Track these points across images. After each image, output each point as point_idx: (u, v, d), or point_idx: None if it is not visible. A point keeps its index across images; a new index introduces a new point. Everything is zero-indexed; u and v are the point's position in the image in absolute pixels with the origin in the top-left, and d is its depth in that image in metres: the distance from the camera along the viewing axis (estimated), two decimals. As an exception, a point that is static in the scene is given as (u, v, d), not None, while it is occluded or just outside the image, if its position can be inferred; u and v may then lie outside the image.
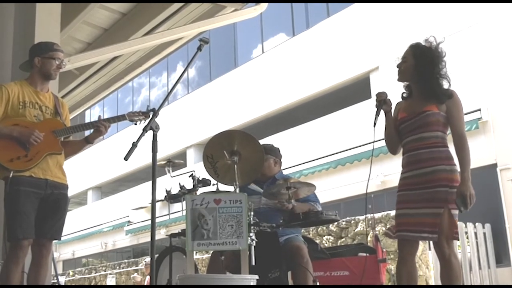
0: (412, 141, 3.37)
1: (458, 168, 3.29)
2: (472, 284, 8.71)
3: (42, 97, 3.67)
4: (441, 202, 3.22)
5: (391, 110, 3.51)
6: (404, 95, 3.54)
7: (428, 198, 3.24)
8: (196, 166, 14.20)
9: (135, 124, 3.73)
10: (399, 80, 3.50)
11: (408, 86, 3.52)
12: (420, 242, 8.18)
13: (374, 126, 3.41)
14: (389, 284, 6.93)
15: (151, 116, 3.09)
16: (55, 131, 3.57)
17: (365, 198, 9.98)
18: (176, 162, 5.07)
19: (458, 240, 3.30)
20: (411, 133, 3.37)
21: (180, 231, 4.03)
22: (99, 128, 3.62)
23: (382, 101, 3.48)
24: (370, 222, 8.74)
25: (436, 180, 3.24)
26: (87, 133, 3.79)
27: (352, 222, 9.40)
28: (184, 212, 3.31)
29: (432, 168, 3.27)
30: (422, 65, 3.34)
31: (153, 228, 2.90)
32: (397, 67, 3.48)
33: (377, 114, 3.48)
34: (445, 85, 3.39)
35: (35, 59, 3.64)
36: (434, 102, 3.32)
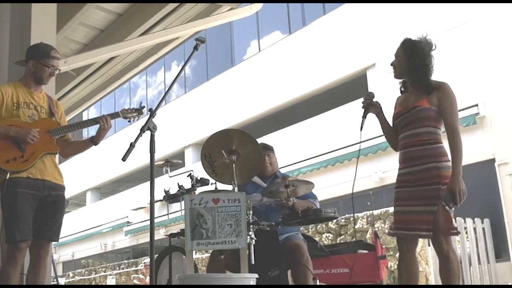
0: (406, 137, 3.39)
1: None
2: (472, 279, 8.73)
3: (36, 97, 3.66)
4: (433, 200, 3.23)
5: (381, 111, 3.57)
6: (402, 89, 3.57)
7: (421, 196, 3.26)
8: (195, 166, 14.22)
9: (129, 121, 3.76)
10: (395, 76, 3.53)
11: (404, 82, 3.55)
12: (420, 238, 8.21)
13: (361, 130, 3.46)
14: (389, 280, 6.93)
15: (148, 116, 3.08)
16: (50, 131, 3.57)
17: (363, 195, 10.01)
18: (174, 162, 5.08)
19: (457, 235, 3.30)
20: (405, 129, 3.40)
21: (179, 231, 4.02)
22: (100, 123, 3.61)
23: (368, 105, 3.54)
24: (370, 219, 8.75)
25: (428, 178, 3.26)
26: (84, 132, 3.79)
27: (351, 219, 9.40)
28: (183, 212, 3.31)
29: (424, 166, 3.28)
30: (412, 57, 3.37)
31: (152, 228, 2.90)
32: (391, 65, 3.52)
33: (364, 116, 3.53)
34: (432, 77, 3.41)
35: (29, 62, 3.64)
36: (425, 96, 3.34)
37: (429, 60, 3.37)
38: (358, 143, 3.58)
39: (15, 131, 3.43)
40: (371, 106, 3.55)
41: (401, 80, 3.56)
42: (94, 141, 3.72)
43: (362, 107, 3.56)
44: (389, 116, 3.60)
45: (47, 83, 3.74)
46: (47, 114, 3.68)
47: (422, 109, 3.32)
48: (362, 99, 3.59)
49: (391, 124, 3.57)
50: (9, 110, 3.52)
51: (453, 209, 3.27)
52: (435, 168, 3.25)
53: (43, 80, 3.67)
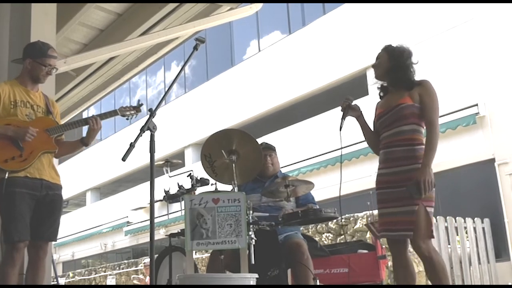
0: (389, 136, 3.41)
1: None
2: (472, 279, 8.73)
3: (33, 96, 3.65)
4: (415, 200, 3.22)
5: (361, 114, 3.60)
6: (381, 94, 3.62)
7: (403, 196, 3.26)
8: (194, 166, 14.21)
9: (127, 119, 3.75)
10: (376, 77, 3.58)
11: (383, 87, 3.60)
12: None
13: (340, 130, 3.51)
14: (389, 280, 6.93)
15: (148, 116, 3.08)
16: (48, 130, 3.55)
17: (363, 195, 10.02)
18: (174, 162, 5.08)
19: (433, 237, 3.28)
20: (388, 128, 3.42)
21: (179, 231, 4.03)
22: (89, 123, 3.59)
23: (346, 107, 3.59)
24: (369, 218, 8.75)
25: (409, 179, 3.25)
26: (81, 132, 3.78)
27: (351, 219, 9.40)
28: (183, 212, 3.31)
29: (407, 167, 3.29)
30: (394, 58, 3.43)
31: (152, 228, 2.90)
32: (372, 66, 3.60)
33: (343, 118, 3.59)
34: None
35: (26, 60, 3.62)
36: (407, 94, 3.36)
37: (410, 62, 3.41)
38: (340, 148, 3.66)
39: (13, 130, 3.42)
40: (350, 109, 3.60)
41: (379, 86, 3.61)
42: (84, 142, 3.71)
43: (341, 110, 3.62)
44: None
45: (44, 82, 3.73)
46: (44, 113, 3.66)
47: (405, 106, 3.34)
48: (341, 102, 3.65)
49: (372, 128, 3.60)
50: (6, 108, 3.51)
51: (432, 210, 3.27)
52: (417, 170, 3.25)
53: (40, 79, 3.65)
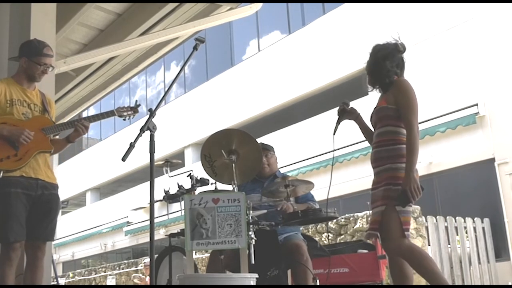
0: (374, 137, 3.44)
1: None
2: (472, 278, 8.73)
3: (30, 94, 3.63)
4: (383, 200, 3.22)
5: (359, 116, 3.61)
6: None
7: (377, 196, 3.29)
8: (194, 166, 14.20)
9: (124, 119, 3.74)
10: (367, 83, 3.56)
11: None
12: (420, 238, 8.19)
13: (334, 134, 3.50)
14: (389, 280, 6.92)
15: (148, 116, 3.07)
16: (44, 129, 3.54)
17: (363, 195, 10.02)
18: (174, 162, 5.08)
19: (405, 236, 3.18)
20: (375, 129, 3.46)
21: (179, 231, 4.02)
22: (76, 128, 3.58)
23: (342, 112, 3.59)
24: (369, 218, 8.74)
25: (384, 179, 3.26)
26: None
27: (351, 219, 9.39)
28: (183, 212, 3.31)
29: (381, 168, 3.31)
30: (370, 62, 3.44)
31: (152, 228, 2.89)
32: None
33: (337, 122, 3.60)
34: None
35: (22, 59, 3.60)
36: (384, 97, 3.37)
37: (387, 63, 3.35)
38: (332, 151, 3.67)
39: (9, 130, 3.40)
40: (346, 113, 3.60)
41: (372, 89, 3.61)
42: (69, 140, 3.70)
43: (337, 114, 3.61)
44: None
45: (40, 81, 3.70)
46: (41, 111, 3.64)
47: (379, 109, 3.36)
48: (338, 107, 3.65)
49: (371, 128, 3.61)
50: (3, 107, 3.48)
51: (406, 209, 3.19)
52: (390, 169, 3.25)
53: (35, 78, 3.63)
